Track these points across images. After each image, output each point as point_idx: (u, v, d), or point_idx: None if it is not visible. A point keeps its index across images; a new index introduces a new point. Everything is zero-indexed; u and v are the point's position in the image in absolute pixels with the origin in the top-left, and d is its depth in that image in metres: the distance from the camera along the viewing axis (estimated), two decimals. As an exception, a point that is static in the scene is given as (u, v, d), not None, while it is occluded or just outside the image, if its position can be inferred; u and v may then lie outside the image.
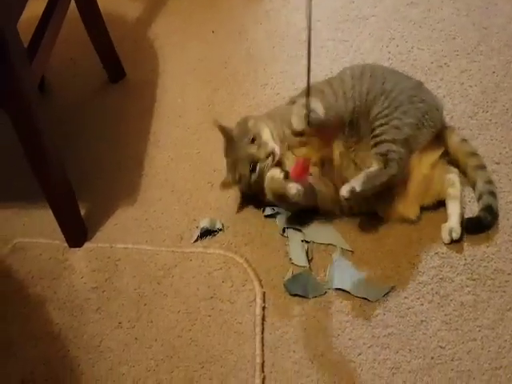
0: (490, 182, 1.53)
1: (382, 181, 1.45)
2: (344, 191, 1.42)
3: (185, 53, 2.18)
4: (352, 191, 1.42)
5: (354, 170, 1.52)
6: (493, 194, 1.50)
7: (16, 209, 1.76)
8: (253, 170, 1.54)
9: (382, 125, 1.49)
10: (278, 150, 1.53)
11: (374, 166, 1.47)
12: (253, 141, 1.54)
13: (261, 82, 2.00)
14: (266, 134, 1.55)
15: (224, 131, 1.58)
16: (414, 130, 1.50)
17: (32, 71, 1.49)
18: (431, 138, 1.54)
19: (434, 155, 1.54)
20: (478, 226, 1.48)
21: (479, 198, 1.51)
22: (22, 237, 1.68)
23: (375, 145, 1.49)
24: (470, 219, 1.49)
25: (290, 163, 1.52)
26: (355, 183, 1.43)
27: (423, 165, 1.52)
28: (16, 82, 1.39)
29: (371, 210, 1.55)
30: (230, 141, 1.58)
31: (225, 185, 1.61)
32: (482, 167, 1.55)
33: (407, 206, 1.52)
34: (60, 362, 1.42)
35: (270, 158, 1.53)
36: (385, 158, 1.46)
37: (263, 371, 1.34)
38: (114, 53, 2.08)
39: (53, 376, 1.40)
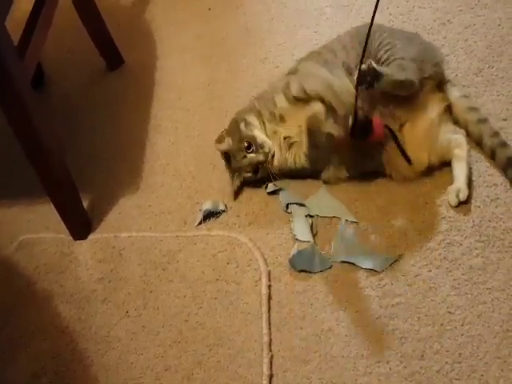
0: (496, 134, 1.48)
1: (399, 78, 1.43)
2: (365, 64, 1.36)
3: (182, 32, 2.15)
4: (369, 65, 1.36)
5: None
6: (505, 144, 1.46)
7: (21, 206, 1.77)
8: (256, 171, 1.59)
9: (386, 51, 1.50)
10: (271, 145, 1.58)
11: None
12: (249, 147, 1.57)
13: (260, 56, 1.96)
14: (258, 133, 1.58)
15: (222, 152, 1.62)
16: (420, 55, 1.51)
17: (24, 67, 1.48)
18: (435, 79, 1.53)
19: (440, 104, 1.51)
20: None
21: (492, 154, 1.46)
22: (27, 233, 1.69)
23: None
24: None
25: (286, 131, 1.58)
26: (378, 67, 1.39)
27: (429, 110, 1.49)
28: (8, 80, 1.38)
29: (375, 168, 1.52)
30: (228, 155, 1.61)
31: (235, 194, 1.63)
32: (484, 121, 1.50)
33: (416, 153, 1.47)
34: (70, 354, 1.43)
35: (270, 155, 1.57)
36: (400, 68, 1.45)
37: (271, 350, 1.33)
38: (110, 40, 2.06)
39: (63, 369, 1.41)
